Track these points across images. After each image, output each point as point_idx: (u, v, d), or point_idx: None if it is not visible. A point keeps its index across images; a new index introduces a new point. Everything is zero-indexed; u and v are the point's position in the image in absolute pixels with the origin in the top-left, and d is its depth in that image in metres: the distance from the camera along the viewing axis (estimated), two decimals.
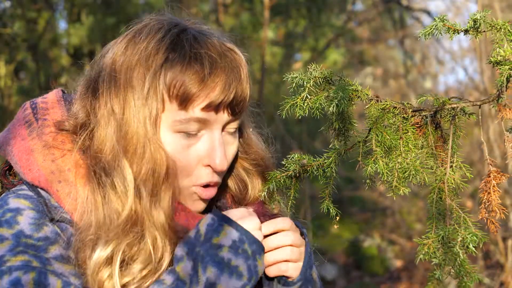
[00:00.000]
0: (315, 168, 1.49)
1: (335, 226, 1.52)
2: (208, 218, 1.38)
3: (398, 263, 8.05)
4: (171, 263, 1.39)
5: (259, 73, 8.53)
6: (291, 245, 1.43)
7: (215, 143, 1.43)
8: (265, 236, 1.43)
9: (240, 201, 1.56)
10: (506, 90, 1.40)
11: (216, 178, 1.46)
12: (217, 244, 1.34)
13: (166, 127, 1.40)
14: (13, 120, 1.50)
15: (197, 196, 1.46)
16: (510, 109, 1.39)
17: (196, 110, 1.39)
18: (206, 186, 1.46)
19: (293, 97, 1.46)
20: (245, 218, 1.39)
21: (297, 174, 1.51)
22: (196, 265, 1.34)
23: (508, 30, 1.38)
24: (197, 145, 1.43)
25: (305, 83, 1.47)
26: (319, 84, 1.47)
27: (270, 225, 1.44)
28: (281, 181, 1.52)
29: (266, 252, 1.42)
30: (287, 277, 1.44)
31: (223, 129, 1.45)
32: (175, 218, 1.41)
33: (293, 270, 1.43)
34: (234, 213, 1.40)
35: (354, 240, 8.39)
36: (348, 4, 10.37)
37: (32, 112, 1.48)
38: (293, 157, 1.52)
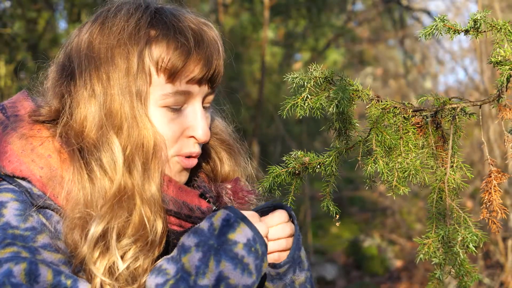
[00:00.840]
0: (315, 166, 1.50)
1: (336, 224, 1.53)
2: (223, 213, 1.40)
3: (398, 263, 8.05)
4: (162, 236, 1.42)
5: (259, 73, 8.53)
6: (285, 237, 1.48)
7: (197, 115, 1.48)
8: None
9: (214, 178, 1.60)
10: (506, 90, 1.40)
11: (198, 149, 1.50)
12: (233, 240, 1.36)
13: (152, 103, 1.44)
14: None
15: (180, 167, 1.49)
16: (510, 109, 1.39)
17: (182, 83, 1.44)
18: (188, 157, 1.50)
19: (294, 97, 1.47)
20: (256, 221, 1.43)
21: (297, 172, 1.51)
22: (207, 257, 1.35)
23: (509, 30, 1.38)
24: (180, 117, 1.47)
25: (305, 83, 1.47)
26: (319, 84, 1.48)
27: (272, 220, 1.48)
28: (281, 177, 1.53)
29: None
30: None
31: (202, 102, 1.50)
32: (163, 190, 1.44)
33: (284, 258, 1.49)
34: (247, 213, 1.43)
35: (354, 240, 8.39)
36: (348, 4, 10.37)
37: (1, 112, 1.49)
38: (295, 154, 1.53)
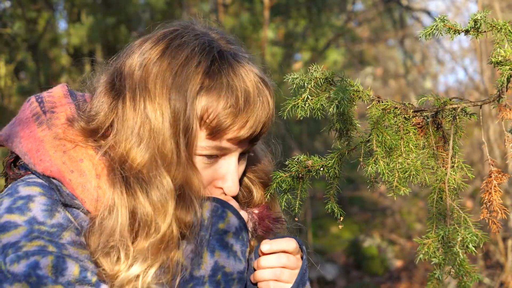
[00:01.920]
0: (319, 168, 1.50)
1: (339, 227, 1.54)
2: (209, 204, 1.41)
3: (398, 263, 8.04)
4: None
5: None
6: (283, 267, 1.48)
7: (230, 169, 1.46)
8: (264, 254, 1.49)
9: (246, 206, 1.59)
10: (506, 91, 1.40)
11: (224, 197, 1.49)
12: (223, 229, 1.40)
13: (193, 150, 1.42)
14: (19, 113, 1.50)
15: None
16: (510, 109, 1.39)
17: (223, 141, 1.42)
18: None
19: (294, 98, 1.47)
20: (239, 208, 1.46)
21: (300, 175, 1.52)
22: (200, 248, 1.37)
23: (509, 30, 1.38)
24: (214, 167, 1.45)
25: (306, 84, 1.47)
26: (320, 85, 1.48)
27: (274, 245, 1.48)
28: (286, 182, 1.53)
29: (259, 268, 1.49)
30: None
31: (239, 154, 1.48)
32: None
33: None
34: (233, 203, 1.45)
35: (354, 240, 8.38)
36: (348, 4, 10.36)
37: (39, 105, 1.47)
38: (298, 158, 1.53)
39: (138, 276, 1.34)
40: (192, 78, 1.38)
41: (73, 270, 1.32)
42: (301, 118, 1.47)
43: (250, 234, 1.50)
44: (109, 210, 1.36)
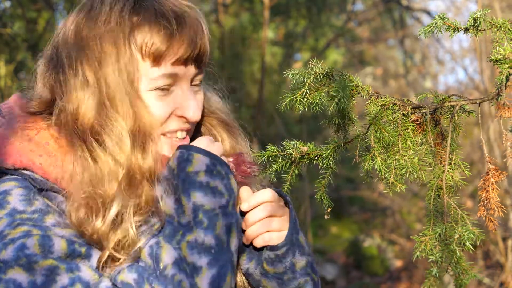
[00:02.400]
0: (313, 157, 1.51)
1: (326, 217, 1.55)
2: (176, 153, 1.46)
3: (398, 263, 8.04)
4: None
5: (259, 73, 8.53)
6: (270, 216, 1.51)
7: (187, 95, 1.51)
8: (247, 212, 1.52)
9: None
10: (505, 89, 1.40)
11: (188, 126, 1.53)
12: (193, 171, 1.42)
13: (143, 87, 1.47)
14: None
15: (168, 148, 1.52)
16: (509, 108, 1.39)
17: (167, 66, 1.47)
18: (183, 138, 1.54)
19: (293, 92, 1.47)
20: (210, 145, 1.48)
21: (293, 159, 1.53)
22: (178, 197, 1.41)
23: (508, 28, 1.38)
24: (169, 98, 1.50)
25: (305, 79, 1.47)
26: (319, 79, 1.48)
27: (252, 200, 1.52)
28: (277, 162, 1.54)
29: (248, 226, 1.51)
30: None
31: (190, 82, 1.53)
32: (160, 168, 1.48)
33: (277, 239, 1.53)
34: (200, 142, 1.48)
35: (354, 240, 8.38)
36: (348, 4, 10.35)
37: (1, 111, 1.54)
38: (294, 144, 1.54)
39: (119, 221, 1.38)
40: (120, 22, 1.46)
41: (60, 245, 1.35)
42: (300, 116, 1.47)
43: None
44: (71, 174, 1.42)
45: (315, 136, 9.13)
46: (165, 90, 1.49)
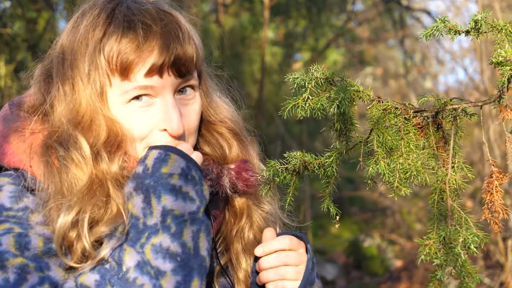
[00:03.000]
0: (316, 166, 1.50)
1: (336, 226, 1.53)
2: (154, 152, 1.42)
3: (398, 263, 8.04)
4: None
5: (259, 73, 8.52)
6: (285, 266, 1.48)
7: (168, 107, 1.45)
8: (261, 257, 1.49)
9: (222, 162, 1.58)
10: (507, 91, 1.40)
11: (172, 140, 1.47)
12: (167, 173, 1.39)
13: (117, 101, 1.44)
14: None
15: None
16: (511, 110, 1.39)
17: (138, 78, 1.42)
18: None
19: (295, 97, 1.47)
20: (189, 151, 1.44)
21: (297, 169, 1.51)
22: (148, 196, 1.38)
23: (509, 31, 1.38)
24: (150, 111, 1.45)
25: (306, 83, 1.47)
26: (320, 84, 1.47)
27: (267, 247, 1.49)
28: (280, 175, 1.52)
29: (261, 271, 1.48)
30: None
31: (175, 92, 1.47)
32: None
33: None
34: (180, 146, 1.44)
35: (354, 240, 8.38)
36: (348, 4, 10.36)
37: (9, 107, 1.55)
38: (294, 155, 1.53)
39: (74, 224, 1.37)
40: (92, 33, 1.44)
41: (37, 243, 1.36)
42: (301, 117, 1.46)
43: (227, 183, 1.51)
44: (44, 180, 1.42)
45: (315, 136, 9.13)
46: (145, 101, 1.44)
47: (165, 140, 1.46)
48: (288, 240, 1.50)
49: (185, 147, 1.45)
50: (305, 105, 1.46)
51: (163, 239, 1.35)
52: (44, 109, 1.49)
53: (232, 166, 1.53)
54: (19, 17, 7.06)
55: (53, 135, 1.45)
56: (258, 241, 1.56)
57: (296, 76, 1.48)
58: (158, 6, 1.48)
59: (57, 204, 1.39)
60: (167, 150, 1.41)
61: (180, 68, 1.44)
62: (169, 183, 1.38)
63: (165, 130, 1.46)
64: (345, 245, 8.49)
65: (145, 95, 1.44)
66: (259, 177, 1.55)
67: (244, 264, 1.55)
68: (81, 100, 1.44)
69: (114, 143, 1.43)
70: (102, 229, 1.38)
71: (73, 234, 1.37)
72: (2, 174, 1.46)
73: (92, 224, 1.38)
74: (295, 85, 1.48)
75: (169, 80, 1.44)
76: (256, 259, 1.52)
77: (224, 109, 1.61)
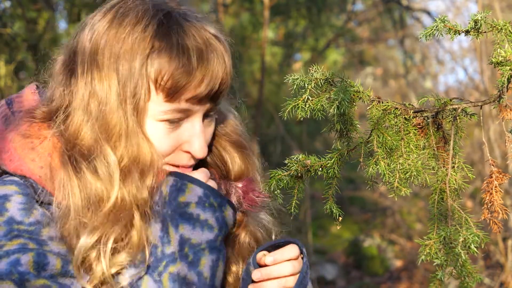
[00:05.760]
0: (318, 168, 1.50)
1: (337, 227, 1.53)
2: (169, 179, 1.40)
3: (398, 263, 8.04)
4: None
5: (259, 73, 8.53)
6: (291, 275, 1.47)
7: (195, 131, 1.44)
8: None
9: (226, 176, 1.56)
10: (507, 91, 1.40)
11: (192, 162, 1.47)
12: (184, 202, 1.38)
13: (150, 117, 1.40)
14: None
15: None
16: (511, 110, 1.39)
17: (182, 102, 1.40)
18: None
19: (295, 98, 1.47)
20: (205, 178, 1.43)
21: (299, 174, 1.51)
22: (165, 225, 1.37)
23: (509, 30, 1.38)
24: (178, 131, 1.43)
25: (306, 84, 1.47)
26: (320, 85, 1.47)
27: (278, 256, 1.47)
28: (284, 181, 1.53)
29: (267, 280, 1.47)
30: None
31: (204, 117, 1.46)
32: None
33: None
34: (196, 174, 1.43)
35: (354, 240, 8.38)
36: (348, 4, 10.36)
37: (8, 107, 1.48)
38: (297, 158, 1.53)
39: (94, 248, 1.34)
40: (140, 43, 1.37)
41: (55, 264, 1.33)
42: (301, 118, 1.47)
43: (235, 202, 1.48)
44: (62, 193, 1.37)
45: (315, 136, 9.14)
46: (174, 125, 1.41)
47: (186, 162, 1.45)
48: (296, 250, 1.49)
49: (201, 175, 1.43)
50: (305, 106, 1.46)
51: (181, 268, 1.35)
52: (59, 113, 1.40)
53: (240, 185, 1.52)
54: (19, 17, 7.06)
55: (73, 145, 1.38)
56: (252, 247, 1.55)
57: (295, 77, 1.48)
58: (212, 33, 1.43)
59: (76, 223, 1.35)
60: (183, 178, 1.40)
61: (218, 97, 1.44)
62: (187, 212, 1.37)
63: (188, 152, 1.45)
64: (345, 245, 8.49)
65: (177, 119, 1.42)
66: (264, 198, 1.53)
67: (235, 268, 1.55)
68: (115, 110, 1.37)
69: (145, 165, 1.38)
70: (123, 258, 1.36)
71: (93, 256, 1.34)
72: (9, 181, 1.39)
73: (113, 252, 1.36)
74: (295, 86, 1.48)
75: (205, 106, 1.43)
76: (254, 263, 1.51)
77: (228, 123, 1.59)
